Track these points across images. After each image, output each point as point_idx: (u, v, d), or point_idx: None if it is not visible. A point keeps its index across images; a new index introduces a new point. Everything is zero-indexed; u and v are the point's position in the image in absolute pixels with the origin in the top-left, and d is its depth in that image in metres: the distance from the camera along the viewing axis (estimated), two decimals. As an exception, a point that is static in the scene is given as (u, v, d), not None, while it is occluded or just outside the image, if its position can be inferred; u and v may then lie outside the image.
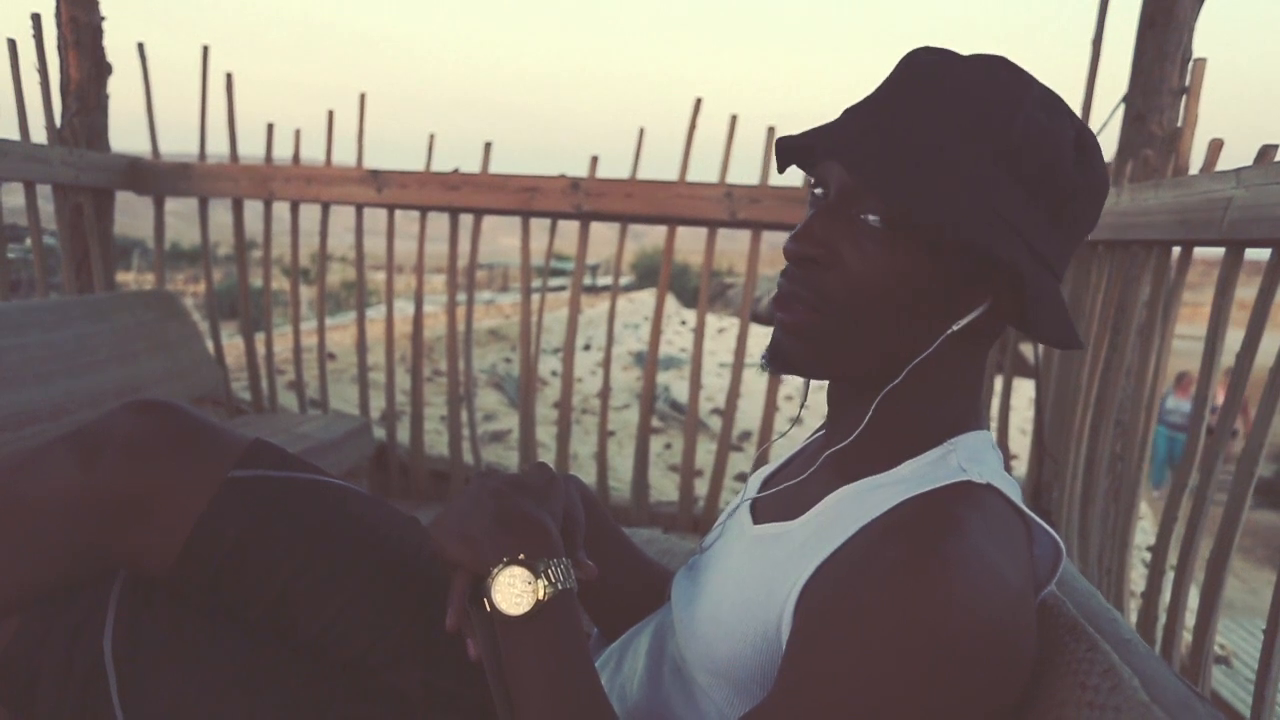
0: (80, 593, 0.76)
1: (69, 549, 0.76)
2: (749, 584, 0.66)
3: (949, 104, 0.60)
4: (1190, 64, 1.90)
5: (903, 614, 0.54)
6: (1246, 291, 1.51)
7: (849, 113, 0.64)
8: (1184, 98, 1.86)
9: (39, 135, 2.45)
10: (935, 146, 0.59)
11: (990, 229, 0.59)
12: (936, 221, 0.58)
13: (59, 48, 2.53)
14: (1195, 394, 1.51)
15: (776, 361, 0.66)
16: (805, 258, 0.63)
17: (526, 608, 0.63)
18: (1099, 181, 0.64)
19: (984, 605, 0.54)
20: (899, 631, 0.53)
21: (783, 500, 0.72)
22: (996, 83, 0.61)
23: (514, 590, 0.64)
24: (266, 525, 0.78)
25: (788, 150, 0.67)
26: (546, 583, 0.64)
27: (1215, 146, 1.60)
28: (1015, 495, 0.63)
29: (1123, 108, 2.09)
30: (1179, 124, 1.90)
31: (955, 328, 0.63)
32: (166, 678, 0.73)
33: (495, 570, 0.64)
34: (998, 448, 0.69)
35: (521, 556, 0.64)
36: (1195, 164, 1.71)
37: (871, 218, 0.61)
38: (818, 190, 0.66)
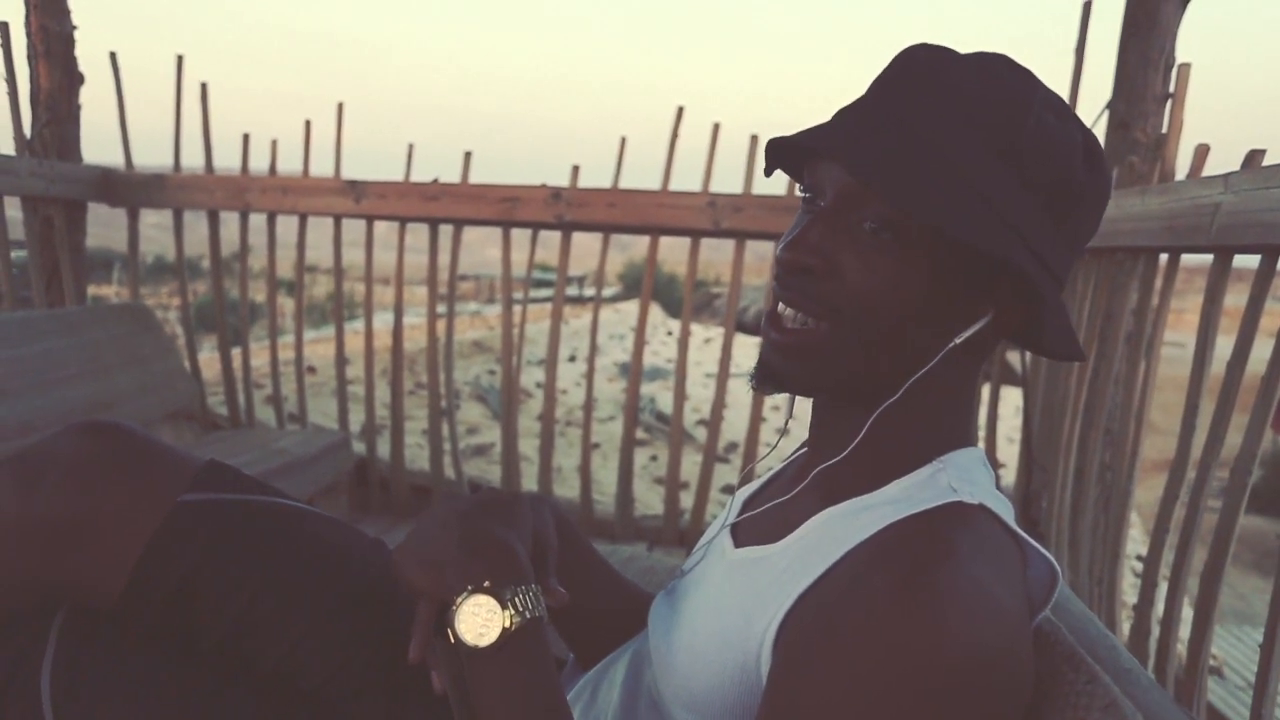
0: (18, 626, 0.71)
1: (8, 579, 0.72)
2: (728, 612, 0.62)
3: (952, 104, 0.57)
4: (1174, 69, 1.89)
5: (891, 645, 0.50)
6: (1231, 299, 1.50)
7: (845, 113, 0.61)
8: (1168, 103, 1.85)
9: (7, 146, 2.40)
10: (940, 149, 0.56)
11: (998, 235, 0.56)
12: (944, 226, 0.54)
13: (29, 57, 2.48)
14: (1186, 402, 1.48)
15: (766, 381, 0.63)
16: (801, 268, 0.60)
17: (492, 638, 0.60)
18: (1104, 189, 0.61)
19: (978, 634, 0.51)
20: (887, 663, 0.50)
21: (765, 522, 0.69)
22: (1000, 83, 0.58)
23: (479, 620, 0.60)
24: (219, 551, 0.74)
25: (776, 153, 0.64)
26: (513, 612, 0.60)
27: (1201, 152, 1.58)
28: (1008, 515, 0.60)
29: (1107, 114, 2.07)
30: (1164, 130, 1.89)
31: (958, 341, 0.60)
32: (109, 717, 0.68)
33: (459, 599, 0.60)
34: (988, 465, 0.66)
35: (487, 584, 0.60)
36: (1181, 170, 1.69)
37: (871, 224, 0.58)
38: (809, 195, 0.62)
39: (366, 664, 0.76)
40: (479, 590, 0.60)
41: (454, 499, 0.68)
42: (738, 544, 0.69)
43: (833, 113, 0.62)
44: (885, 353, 0.60)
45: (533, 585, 0.62)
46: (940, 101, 0.57)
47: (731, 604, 0.63)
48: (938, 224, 0.55)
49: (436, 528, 0.65)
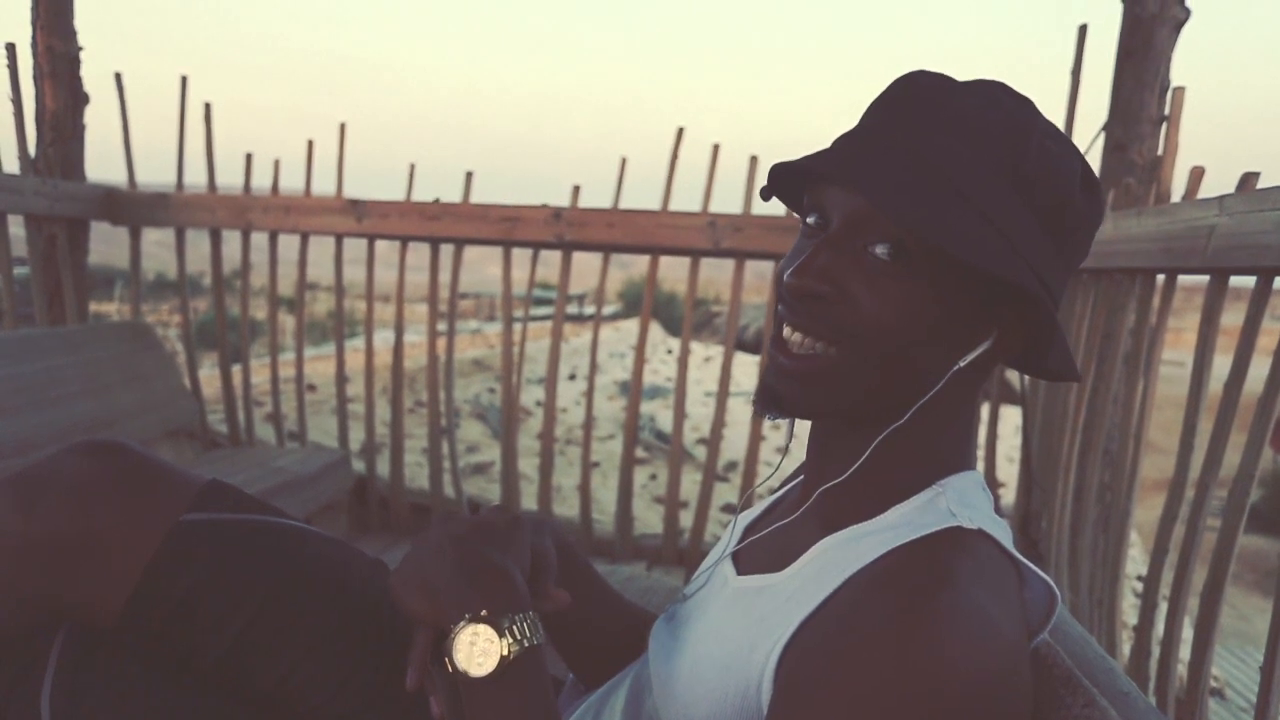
0: (19, 645, 0.71)
1: (8, 598, 0.72)
2: (731, 640, 0.62)
3: (958, 131, 0.58)
4: (1169, 92, 1.91)
5: (891, 671, 0.50)
6: (1229, 317, 1.50)
7: (849, 139, 0.61)
8: (1164, 126, 1.86)
9: (12, 165, 2.42)
10: (948, 174, 0.57)
11: (1008, 259, 0.56)
12: (957, 251, 0.55)
13: (34, 77, 2.50)
14: (1184, 421, 1.49)
15: (770, 405, 0.62)
16: (810, 294, 0.60)
17: (490, 667, 0.59)
18: (1099, 214, 0.62)
19: (978, 659, 0.51)
20: (887, 690, 0.50)
21: (767, 549, 0.69)
22: (1003, 110, 0.59)
23: (476, 649, 0.60)
24: (219, 571, 0.74)
25: (776, 179, 0.64)
26: (511, 640, 0.60)
27: (1196, 174, 1.59)
28: (1006, 539, 0.60)
29: (1103, 137, 2.09)
30: (1159, 152, 1.90)
31: (962, 363, 0.61)
32: (107, 738, 0.68)
33: (456, 628, 0.60)
34: (987, 488, 0.66)
35: (484, 613, 0.60)
36: (1177, 192, 1.70)
37: (880, 249, 0.58)
38: (811, 220, 0.62)
39: (364, 686, 0.76)
40: (476, 619, 0.60)
41: (450, 521, 0.67)
42: (740, 571, 0.69)
43: (831, 137, 0.62)
44: (892, 376, 0.60)
45: (530, 612, 0.62)
46: (945, 128, 0.58)
47: (734, 632, 0.63)
48: (952, 249, 0.55)
49: (432, 553, 0.64)
